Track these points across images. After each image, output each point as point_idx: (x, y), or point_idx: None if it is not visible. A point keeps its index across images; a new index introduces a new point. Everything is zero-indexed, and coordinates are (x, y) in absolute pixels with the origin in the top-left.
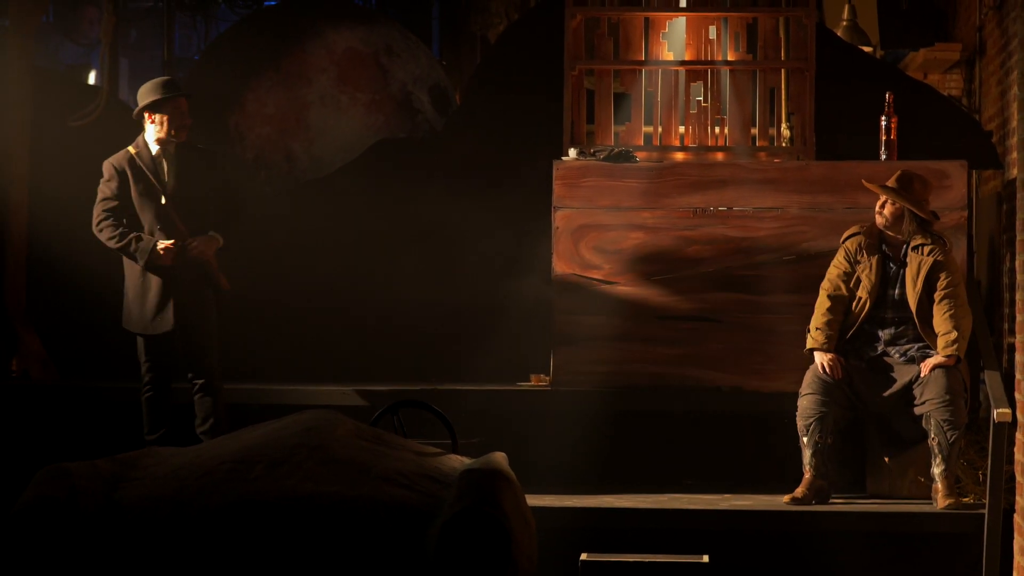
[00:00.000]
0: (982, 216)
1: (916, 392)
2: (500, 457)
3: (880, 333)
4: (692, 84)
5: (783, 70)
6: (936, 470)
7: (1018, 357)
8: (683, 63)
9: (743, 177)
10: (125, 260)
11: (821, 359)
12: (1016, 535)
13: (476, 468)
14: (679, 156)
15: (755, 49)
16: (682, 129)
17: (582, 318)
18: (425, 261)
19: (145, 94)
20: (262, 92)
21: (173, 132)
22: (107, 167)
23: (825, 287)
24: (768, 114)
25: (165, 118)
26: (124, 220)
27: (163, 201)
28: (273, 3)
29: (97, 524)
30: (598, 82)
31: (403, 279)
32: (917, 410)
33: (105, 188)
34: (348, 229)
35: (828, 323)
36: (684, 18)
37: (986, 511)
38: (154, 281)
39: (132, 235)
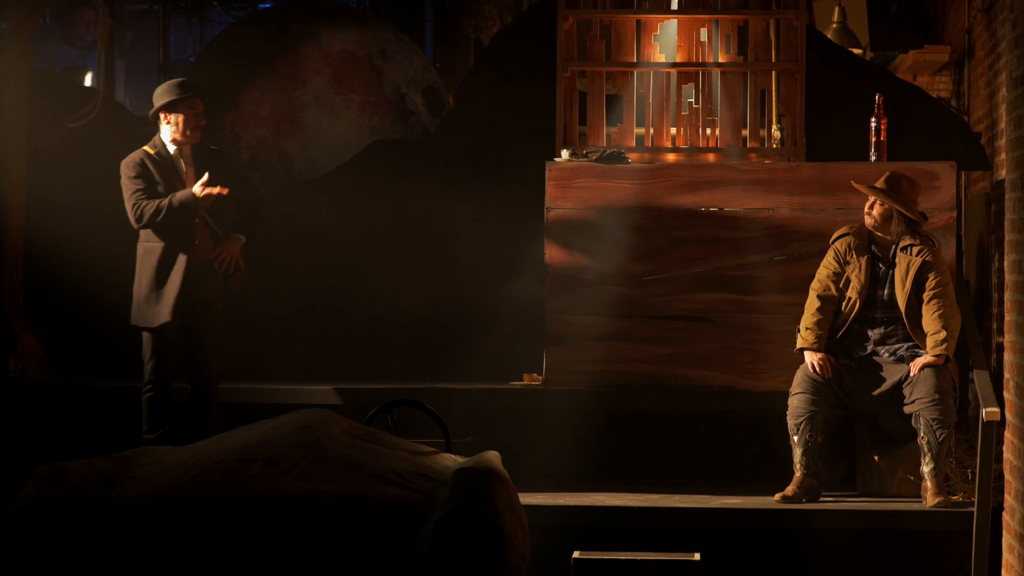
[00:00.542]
0: (971, 217)
1: (905, 391)
2: (493, 456)
3: (870, 333)
4: (683, 86)
5: (774, 72)
6: (925, 468)
7: (1007, 356)
8: (674, 65)
9: (734, 178)
10: (139, 255)
11: (811, 358)
12: (1004, 533)
13: (469, 467)
14: (671, 157)
15: (746, 51)
16: (674, 130)
17: (575, 318)
18: (418, 261)
19: (161, 95)
20: (257, 94)
21: (188, 132)
22: (129, 165)
23: (815, 287)
24: (759, 116)
25: (180, 118)
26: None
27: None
28: (268, 5)
29: (93, 523)
30: (590, 84)
31: (396, 279)
32: (907, 409)
33: (131, 184)
34: (342, 230)
35: (818, 323)
36: (675, 20)
37: (975, 509)
38: (172, 272)
39: (167, 199)
